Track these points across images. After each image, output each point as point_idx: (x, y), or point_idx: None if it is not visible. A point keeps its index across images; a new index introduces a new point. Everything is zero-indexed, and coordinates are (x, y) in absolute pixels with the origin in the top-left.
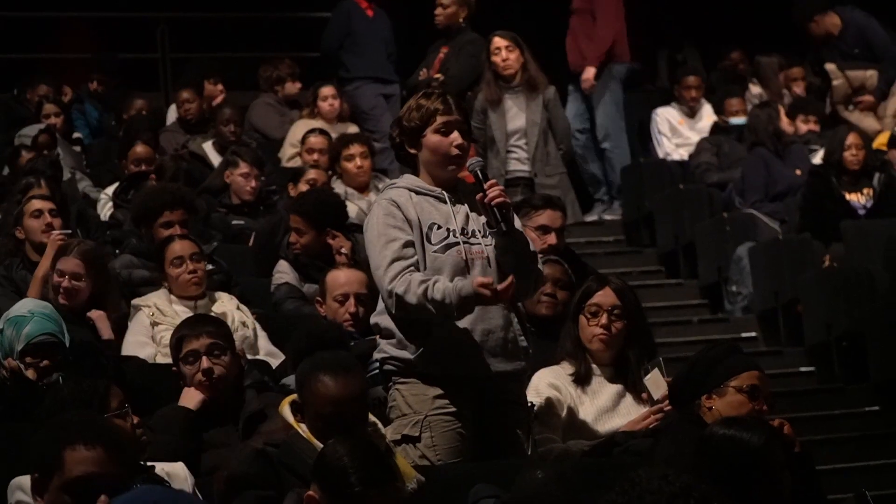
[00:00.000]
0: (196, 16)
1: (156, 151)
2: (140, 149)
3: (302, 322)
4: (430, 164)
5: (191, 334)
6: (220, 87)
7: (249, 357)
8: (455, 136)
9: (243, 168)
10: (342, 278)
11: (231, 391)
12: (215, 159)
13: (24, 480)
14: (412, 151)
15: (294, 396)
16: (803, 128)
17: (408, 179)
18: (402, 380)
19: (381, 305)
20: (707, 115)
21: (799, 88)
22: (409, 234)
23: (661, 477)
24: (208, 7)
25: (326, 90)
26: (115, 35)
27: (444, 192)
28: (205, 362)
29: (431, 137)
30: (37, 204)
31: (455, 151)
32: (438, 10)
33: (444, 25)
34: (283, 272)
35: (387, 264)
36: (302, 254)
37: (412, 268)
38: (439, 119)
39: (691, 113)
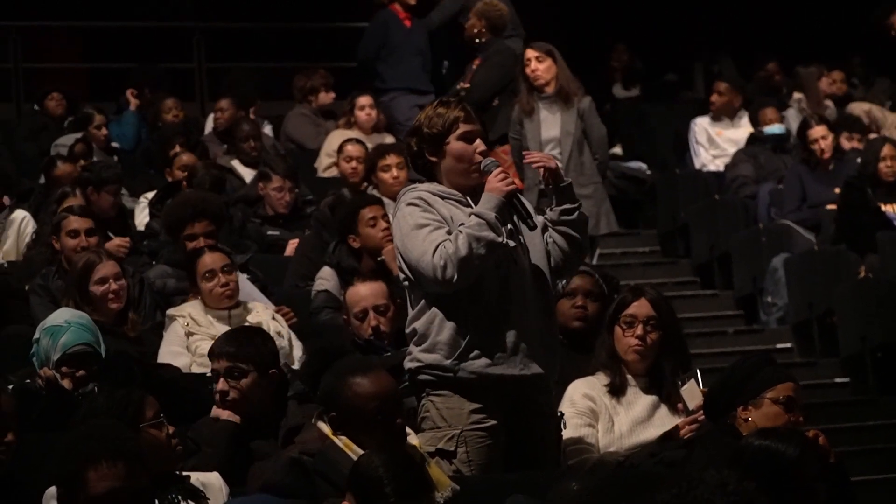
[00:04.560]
0: (232, 26)
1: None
2: (186, 157)
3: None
4: (452, 171)
5: (214, 352)
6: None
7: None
8: (479, 144)
9: (276, 182)
10: (359, 294)
11: (264, 407)
12: (245, 173)
13: None
14: (433, 159)
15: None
16: (847, 145)
17: (429, 185)
18: (437, 392)
19: (413, 311)
20: (745, 126)
21: (840, 91)
22: (445, 226)
23: (719, 485)
24: (244, 17)
25: (363, 100)
26: (152, 45)
27: (466, 197)
28: (220, 384)
29: (455, 145)
30: (74, 223)
31: (479, 158)
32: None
33: (468, 39)
34: (325, 279)
35: (433, 249)
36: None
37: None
38: (462, 127)
39: (717, 117)
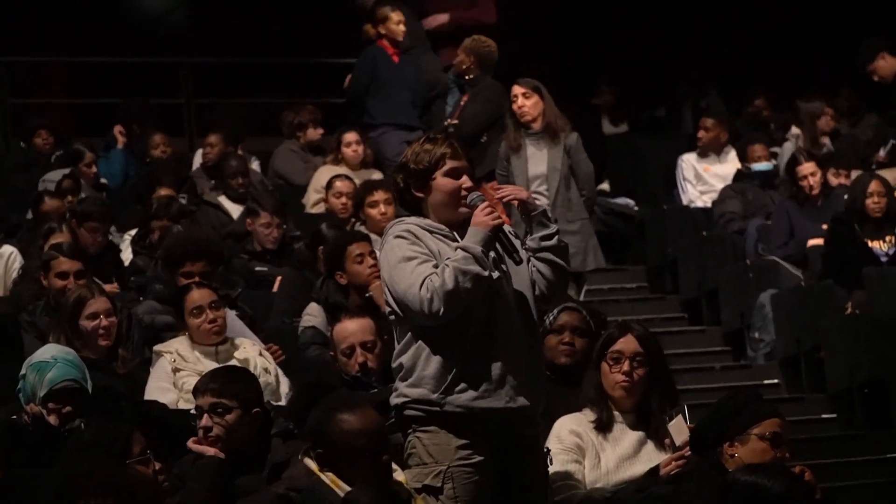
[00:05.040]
0: (220, 61)
1: (179, 194)
2: (164, 192)
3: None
4: (439, 206)
5: (199, 389)
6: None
7: (273, 403)
8: (465, 180)
9: (264, 218)
10: (347, 330)
11: (247, 444)
12: (232, 209)
13: None
14: (419, 195)
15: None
16: (834, 181)
17: (416, 219)
18: (423, 427)
19: (399, 345)
20: (732, 161)
21: (828, 127)
22: (433, 259)
23: None
24: (232, 52)
25: (350, 136)
26: (140, 80)
27: (452, 231)
28: (204, 420)
29: (441, 180)
30: (64, 265)
31: (465, 194)
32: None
33: (456, 75)
34: (312, 315)
35: (420, 282)
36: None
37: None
38: (448, 163)
39: (704, 152)
